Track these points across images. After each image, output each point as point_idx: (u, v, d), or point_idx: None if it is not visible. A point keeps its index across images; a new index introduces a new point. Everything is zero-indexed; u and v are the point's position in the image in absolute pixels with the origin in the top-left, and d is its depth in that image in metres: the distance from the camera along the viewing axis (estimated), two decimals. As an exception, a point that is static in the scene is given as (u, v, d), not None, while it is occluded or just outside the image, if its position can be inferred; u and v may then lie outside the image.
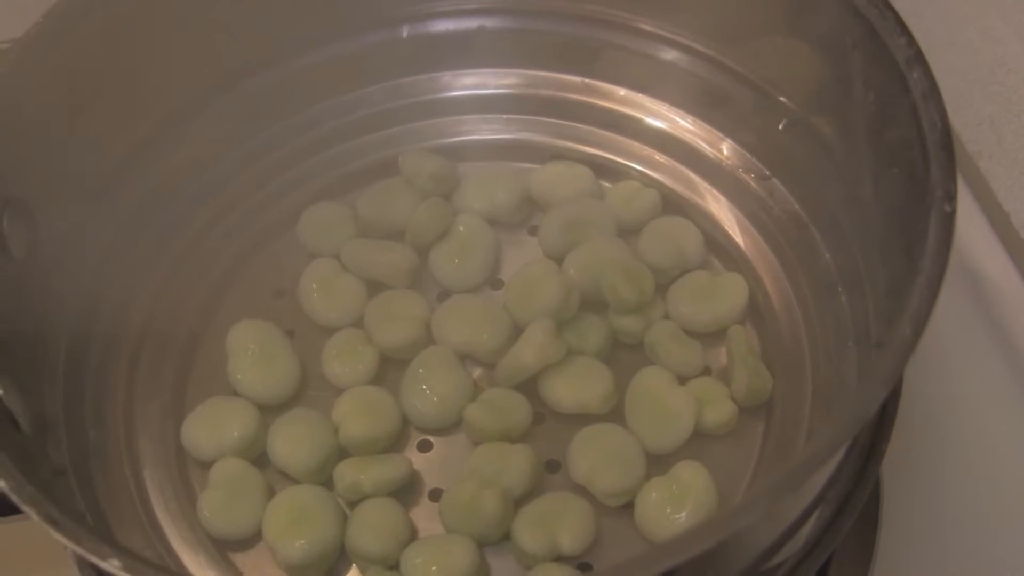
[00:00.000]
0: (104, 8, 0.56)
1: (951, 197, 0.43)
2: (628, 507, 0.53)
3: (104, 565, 0.40)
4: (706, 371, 0.58)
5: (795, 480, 0.38)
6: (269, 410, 0.57)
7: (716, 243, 0.61)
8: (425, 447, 0.57)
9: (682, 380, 0.56)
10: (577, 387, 0.55)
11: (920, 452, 0.62)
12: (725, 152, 0.62)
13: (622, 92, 0.65)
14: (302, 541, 0.52)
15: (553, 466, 0.56)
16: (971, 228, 0.70)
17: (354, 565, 0.53)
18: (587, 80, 0.65)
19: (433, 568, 0.51)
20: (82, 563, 0.50)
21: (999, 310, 0.67)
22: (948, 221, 0.43)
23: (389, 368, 0.58)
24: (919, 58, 0.47)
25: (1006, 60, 0.74)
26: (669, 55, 0.62)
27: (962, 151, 0.72)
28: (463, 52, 0.65)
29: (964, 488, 0.62)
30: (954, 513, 0.61)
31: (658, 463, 0.54)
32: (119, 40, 0.57)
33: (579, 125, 0.65)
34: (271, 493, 0.54)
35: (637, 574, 0.38)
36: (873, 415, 0.40)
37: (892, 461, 0.58)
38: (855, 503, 0.48)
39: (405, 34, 0.65)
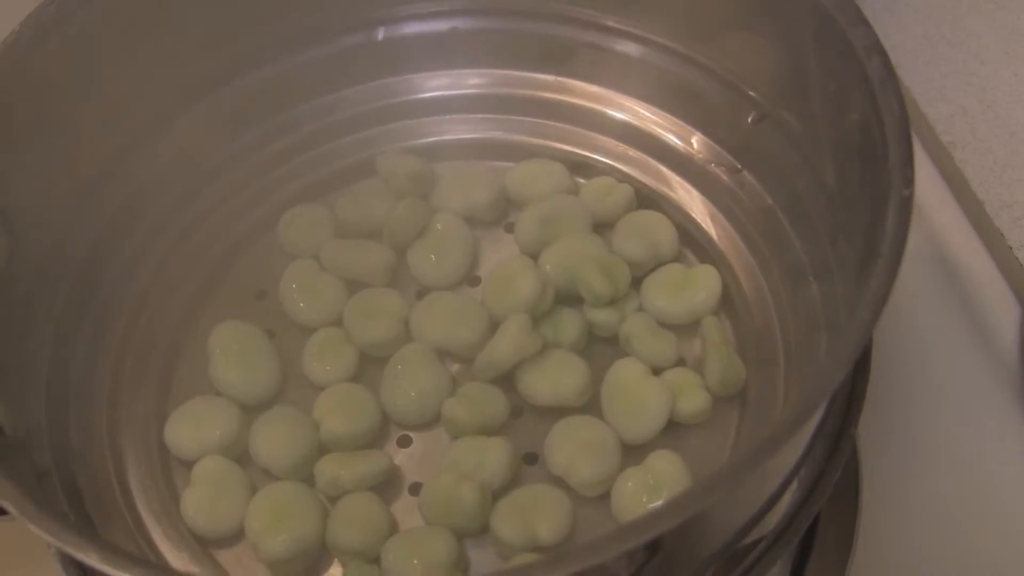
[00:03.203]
0: (79, 16, 0.56)
1: (909, 182, 0.44)
2: (605, 497, 0.54)
3: (83, 558, 0.41)
4: (680, 362, 0.58)
5: (749, 466, 0.39)
6: (251, 409, 0.57)
7: (689, 236, 0.61)
8: (405, 442, 0.57)
9: (657, 371, 0.57)
10: (553, 380, 0.56)
11: (898, 433, 0.63)
12: (696, 146, 0.63)
13: (594, 89, 0.65)
14: (284, 536, 0.52)
15: (531, 458, 0.56)
16: (946, 217, 0.71)
17: (336, 559, 0.54)
18: (560, 78, 0.66)
19: (413, 561, 0.51)
20: (65, 561, 0.51)
21: (974, 297, 0.68)
22: (906, 205, 0.43)
23: (369, 365, 0.59)
24: (877, 47, 0.48)
25: (979, 52, 0.75)
26: (639, 52, 0.63)
27: (936, 142, 0.73)
28: (437, 53, 0.66)
29: (943, 470, 0.62)
30: (934, 494, 0.61)
31: (634, 453, 0.55)
32: (96, 48, 0.57)
33: (553, 123, 0.66)
34: (253, 490, 0.55)
35: (606, 552, 0.38)
36: (829, 398, 0.41)
37: (871, 443, 0.59)
38: (826, 483, 0.49)
39: (380, 37, 0.66)
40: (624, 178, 0.63)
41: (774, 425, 0.40)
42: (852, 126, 0.49)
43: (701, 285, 0.59)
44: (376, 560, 0.53)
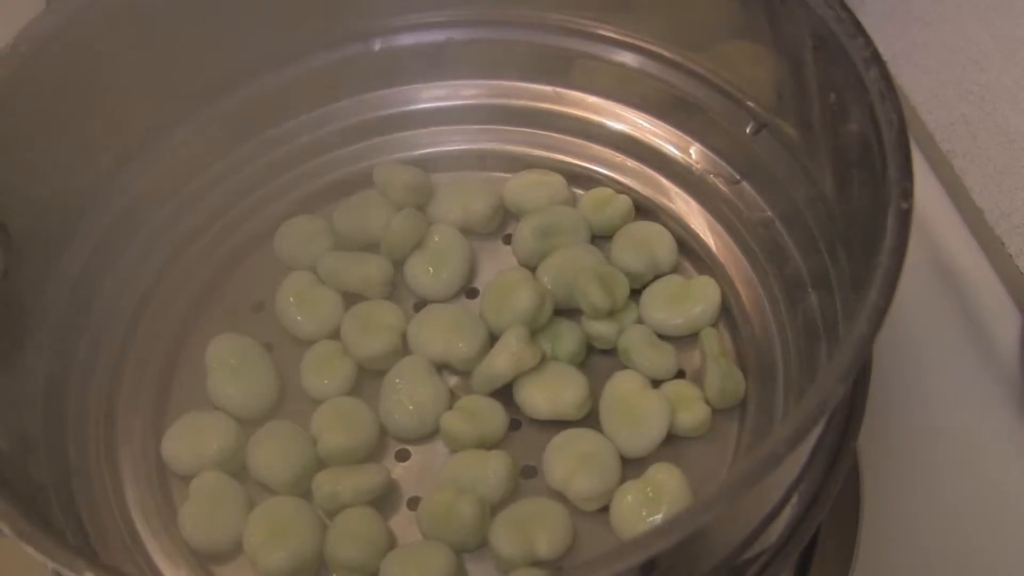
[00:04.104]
0: (76, 29, 0.56)
1: (908, 194, 0.44)
2: (604, 511, 0.54)
3: (78, 579, 0.41)
4: (680, 374, 0.58)
5: (748, 483, 0.39)
6: (248, 423, 0.57)
7: (688, 247, 0.61)
8: (403, 456, 0.57)
9: (656, 383, 0.57)
10: (552, 393, 0.56)
11: (899, 444, 0.63)
12: (694, 157, 0.62)
13: (592, 100, 0.65)
14: (282, 552, 0.52)
15: (529, 472, 0.56)
16: (946, 225, 0.71)
17: (334, 575, 0.53)
18: (557, 89, 0.65)
19: (412, 576, 0.51)
20: (62, 580, 0.51)
21: (974, 305, 0.68)
22: (905, 218, 0.43)
23: (366, 379, 0.59)
24: (876, 58, 0.47)
25: (979, 59, 0.75)
26: (637, 62, 0.63)
27: (936, 150, 0.72)
28: (434, 64, 0.66)
29: (945, 481, 0.62)
30: (936, 505, 0.61)
31: (633, 466, 0.54)
32: (92, 59, 0.57)
33: (550, 133, 0.65)
34: (251, 505, 0.55)
35: (603, 571, 0.38)
36: (829, 411, 0.40)
37: (872, 455, 0.59)
38: (826, 496, 0.49)
39: (376, 48, 0.65)
40: (622, 189, 0.63)
41: (773, 441, 0.39)
42: (851, 137, 0.49)
43: (700, 297, 0.59)
44: (374, 575, 0.52)
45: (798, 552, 0.49)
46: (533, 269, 0.60)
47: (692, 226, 0.62)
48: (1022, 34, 0.75)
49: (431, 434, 0.57)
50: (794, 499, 0.47)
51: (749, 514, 0.45)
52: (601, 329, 0.58)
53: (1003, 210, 0.69)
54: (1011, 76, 0.73)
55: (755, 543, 0.46)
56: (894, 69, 0.75)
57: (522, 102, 0.66)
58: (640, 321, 0.59)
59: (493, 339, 0.57)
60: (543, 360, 0.57)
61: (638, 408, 0.55)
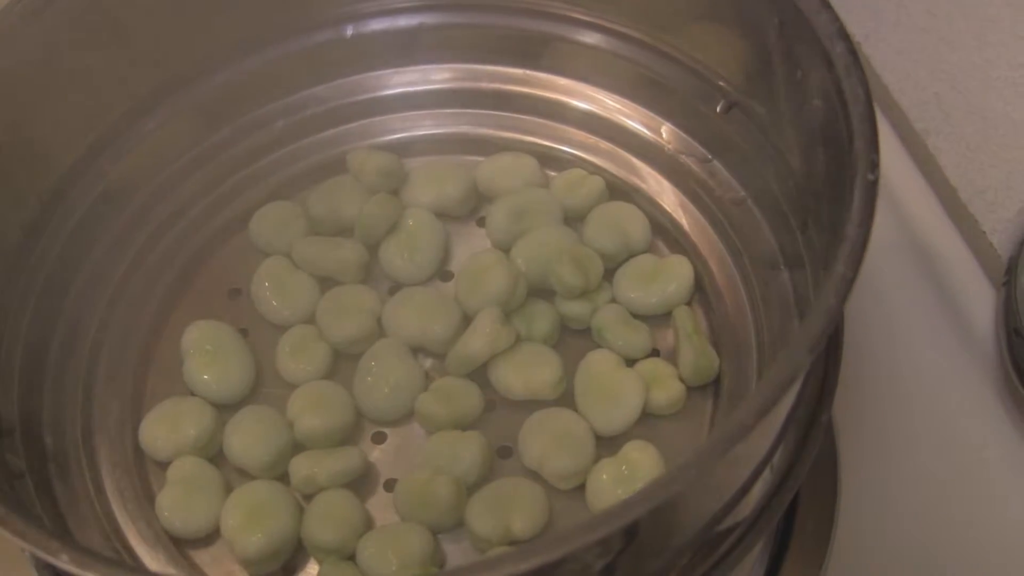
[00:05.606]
0: (47, 15, 0.56)
1: (874, 166, 0.44)
2: (580, 489, 0.54)
3: (54, 561, 0.41)
4: (654, 352, 0.58)
5: (717, 454, 0.39)
6: (225, 408, 0.57)
7: (661, 226, 0.61)
8: (379, 438, 0.57)
9: (630, 362, 0.57)
10: (526, 373, 0.56)
11: (876, 420, 0.63)
12: (666, 136, 0.63)
13: (563, 81, 0.65)
14: (259, 535, 0.52)
15: (505, 452, 0.56)
16: (920, 204, 0.71)
17: (311, 557, 0.54)
18: (528, 72, 0.65)
19: (389, 556, 0.51)
20: (39, 565, 0.51)
21: (948, 282, 0.68)
22: (871, 190, 0.43)
23: (342, 362, 0.59)
24: (841, 33, 0.48)
25: (951, 39, 0.75)
26: (607, 44, 0.63)
27: (909, 129, 0.73)
28: (406, 49, 0.66)
29: (921, 455, 0.63)
30: (912, 478, 0.62)
31: (608, 444, 0.55)
32: (63, 46, 0.57)
33: (522, 116, 0.65)
34: (228, 490, 0.55)
35: (575, 542, 0.38)
36: (798, 384, 0.41)
37: (849, 431, 0.60)
38: (799, 469, 0.49)
39: (349, 33, 0.65)
40: (595, 170, 0.63)
41: (743, 411, 0.39)
42: (818, 112, 0.49)
43: (673, 275, 0.59)
44: (352, 557, 0.52)
45: (773, 524, 0.49)
46: (507, 251, 0.60)
47: (664, 206, 0.62)
48: (993, 14, 0.75)
49: (407, 416, 0.57)
50: (767, 471, 0.48)
51: (722, 485, 0.46)
52: (575, 309, 0.58)
53: (976, 187, 0.69)
54: (983, 55, 0.74)
55: (730, 515, 0.47)
56: (867, 49, 0.75)
57: (494, 85, 0.66)
58: (614, 301, 0.59)
59: (468, 321, 0.57)
60: (517, 341, 0.57)
61: (612, 387, 0.55)
